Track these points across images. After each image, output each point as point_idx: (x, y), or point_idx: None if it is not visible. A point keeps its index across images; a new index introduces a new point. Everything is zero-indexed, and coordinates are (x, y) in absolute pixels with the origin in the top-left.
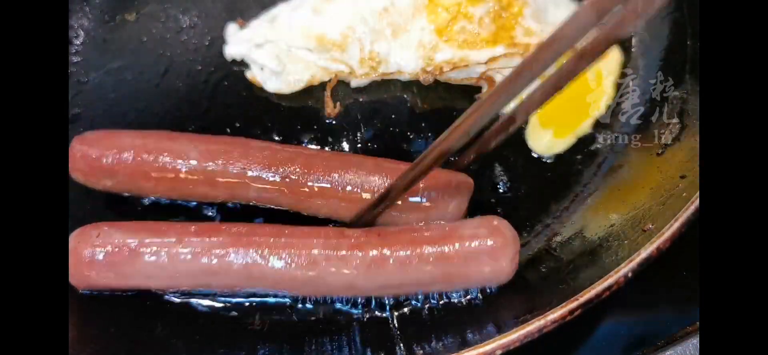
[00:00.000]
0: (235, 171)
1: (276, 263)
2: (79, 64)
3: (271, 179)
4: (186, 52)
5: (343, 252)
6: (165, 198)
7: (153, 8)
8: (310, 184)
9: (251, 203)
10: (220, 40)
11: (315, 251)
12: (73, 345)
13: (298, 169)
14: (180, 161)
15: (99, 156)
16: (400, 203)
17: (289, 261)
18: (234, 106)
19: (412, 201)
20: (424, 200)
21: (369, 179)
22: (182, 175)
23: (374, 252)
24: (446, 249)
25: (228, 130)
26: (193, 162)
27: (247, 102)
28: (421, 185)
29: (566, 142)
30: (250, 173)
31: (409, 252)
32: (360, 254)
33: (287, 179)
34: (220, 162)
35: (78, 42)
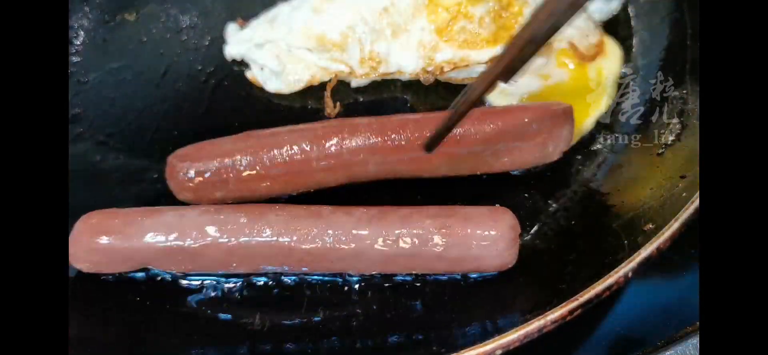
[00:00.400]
0: (349, 152)
1: (281, 235)
2: (79, 64)
3: (388, 151)
4: (186, 52)
5: (345, 225)
6: (284, 195)
7: (153, 8)
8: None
9: (370, 180)
10: (220, 40)
11: (319, 223)
12: (73, 344)
13: (410, 135)
14: (292, 154)
15: (204, 172)
16: (513, 141)
17: (293, 232)
18: (234, 106)
19: (522, 135)
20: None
21: (478, 128)
22: (297, 168)
23: (377, 226)
24: (448, 228)
25: (228, 130)
26: (308, 150)
27: (247, 102)
28: (526, 119)
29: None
30: (364, 151)
31: (408, 226)
32: (363, 230)
33: (403, 148)
34: (332, 147)
35: (78, 42)
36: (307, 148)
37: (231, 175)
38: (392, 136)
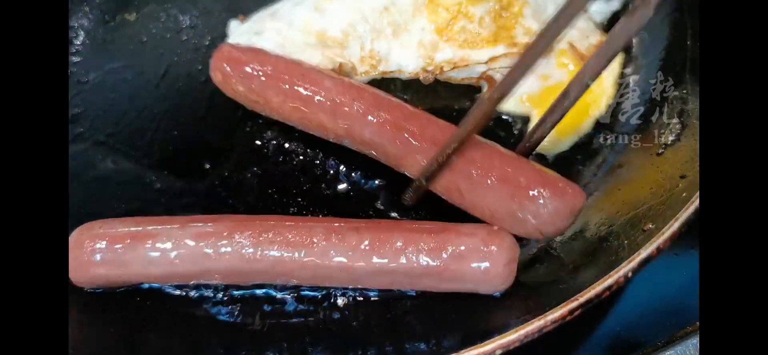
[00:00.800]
0: (355, 109)
1: (276, 251)
2: (79, 64)
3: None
4: (186, 52)
5: (342, 239)
6: (286, 122)
7: (153, 8)
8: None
9: (360, 150)
10: (220, 40)
11: (315, 239)
12: (73, 346)
13: (414, 128)
14: (311, 88)
15: (241, 61)
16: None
17: (289, 248)
18: (234, 106)
19: (518, 213)
20: (528, 214)
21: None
22: (309, 98)
23: (371, 241)
24: (443, 246)
25: (228, 130)
26: (323, 91)
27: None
28: (534, 193)
29: (568, 141)
30: (369, 116)
31: (404, 244)
32: (357, 242)
33: (398, 134)
34: (343, 100)
35: (78, 42)
36: (324, 92)
37: (256, 77)
38: (406, 131)
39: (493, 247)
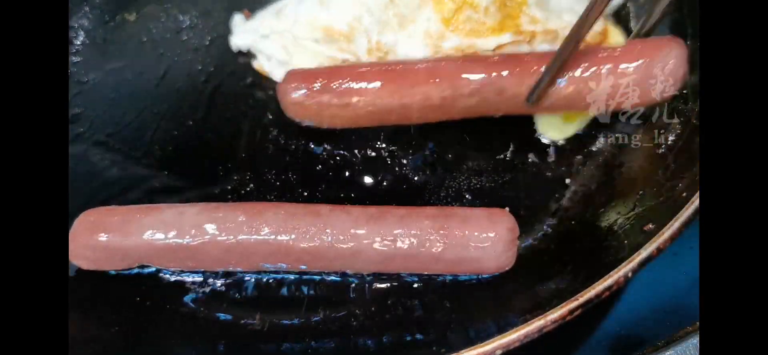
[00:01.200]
0: (453, 74)
1: (280, 235)
2: (79, 64)
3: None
4: (186, 52)
5: (344, 223)
6: (375, 124)
7: (153, 8)
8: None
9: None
10: (220, 40)
11: (314, 219)
12: (73, 344)
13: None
14: (402, 76)
15: (317, 76)
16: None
17: (290, 233)
18: (234, 105)
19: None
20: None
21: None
22: (404, 86)
23: (375, 225)
24: (446, 229)
25: (227, 130)
26: (415, 73)
27: (246, 102)
28: (656, 61)
29: (576, 126)
30: (468, 74)
31: (404, 225)
32: (361, 229)
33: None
34: (440, 72)
35: (78, 42)
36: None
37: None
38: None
39: (494, 227)
